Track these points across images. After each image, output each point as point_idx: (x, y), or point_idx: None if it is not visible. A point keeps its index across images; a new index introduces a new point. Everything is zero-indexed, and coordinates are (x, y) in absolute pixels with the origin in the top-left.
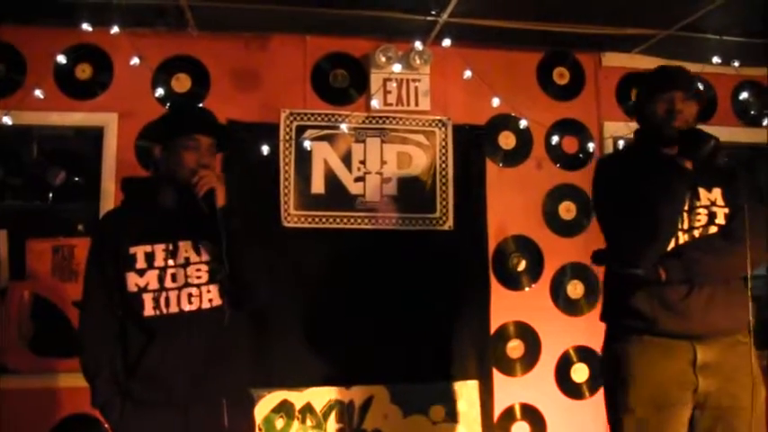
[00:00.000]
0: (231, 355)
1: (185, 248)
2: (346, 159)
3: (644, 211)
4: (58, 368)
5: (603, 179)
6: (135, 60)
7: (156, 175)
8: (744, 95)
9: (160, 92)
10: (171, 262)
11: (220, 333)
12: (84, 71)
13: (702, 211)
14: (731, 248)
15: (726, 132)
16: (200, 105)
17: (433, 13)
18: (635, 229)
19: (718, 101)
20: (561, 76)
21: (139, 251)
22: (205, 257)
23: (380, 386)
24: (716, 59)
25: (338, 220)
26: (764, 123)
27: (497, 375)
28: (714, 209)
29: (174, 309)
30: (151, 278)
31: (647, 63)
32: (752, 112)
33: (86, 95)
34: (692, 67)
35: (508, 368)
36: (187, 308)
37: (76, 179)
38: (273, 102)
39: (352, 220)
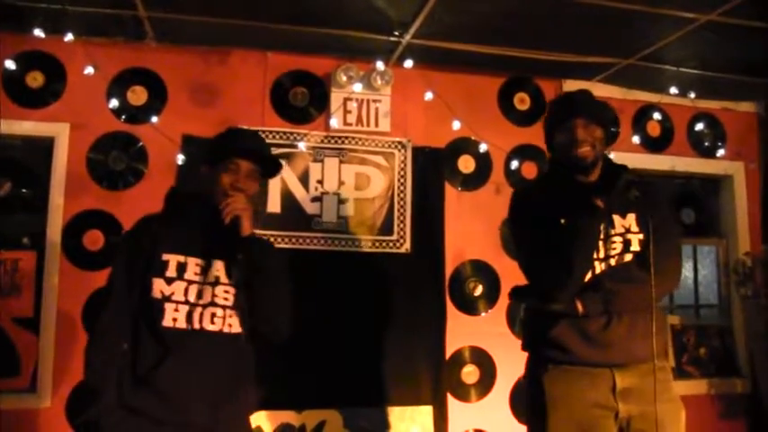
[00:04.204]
0: (245, 383)
1: (217, 268)
2: (303, 179)
3: (558, 250)
4: None
5: (518, 213)
6: (89, 70)
7: (198, 192)
8: (699, 127)
9: (114, 103)
10: (200, 278)
11: (236, 360)
12: (35, 79)
13: (617, 239)
14: (647, 277)
15: (681, 162)
16: (253, 131)
17: (396, 33)
18: (551, 266)
19: (675, 131)
20: (522, 101)
21: (173, 259)
22: (234, 281)
23: (333, 410)
24: (673, 90)
25: (294, 240)
26: (718, 155)
27: (452, 401)
28: (629, 236)
29: (195, 325)
30: (177, 289)
31: (608, 91)
32: (706, 144)
33: (37, 104)
34: (651, 97)
35: (463, 394)
36: (209, 327)
37: (23, 191)
38: (231, 118)
39: (308, 241)
